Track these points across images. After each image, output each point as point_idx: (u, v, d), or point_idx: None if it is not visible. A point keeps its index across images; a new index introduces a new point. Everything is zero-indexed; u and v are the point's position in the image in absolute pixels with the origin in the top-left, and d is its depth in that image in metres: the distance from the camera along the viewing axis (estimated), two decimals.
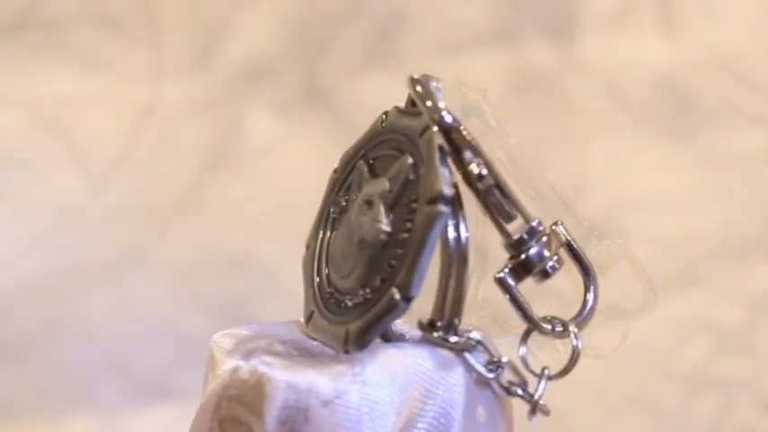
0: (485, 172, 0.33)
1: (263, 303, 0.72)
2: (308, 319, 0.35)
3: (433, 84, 0.34)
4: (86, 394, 0.69)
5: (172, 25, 0.85)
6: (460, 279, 0.33)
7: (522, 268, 0.34)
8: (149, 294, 0.74)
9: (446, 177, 0.32)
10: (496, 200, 0.33)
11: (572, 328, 0.35)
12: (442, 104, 0.33)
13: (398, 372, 0.32)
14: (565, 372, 0.34)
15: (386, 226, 0.33)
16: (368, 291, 0.33)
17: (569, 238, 0.35)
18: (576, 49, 0.81)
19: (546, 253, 0.34)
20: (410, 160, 0.33)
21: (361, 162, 0.35)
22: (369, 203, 0.34)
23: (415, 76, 0.34)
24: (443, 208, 0.32)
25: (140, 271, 0.75)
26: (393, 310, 0.32)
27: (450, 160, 0.33)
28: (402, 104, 0.35)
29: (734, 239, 0.72)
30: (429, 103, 0.33)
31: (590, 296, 0.35)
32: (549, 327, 0.35)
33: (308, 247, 0.36)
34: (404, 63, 0.81)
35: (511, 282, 0.34)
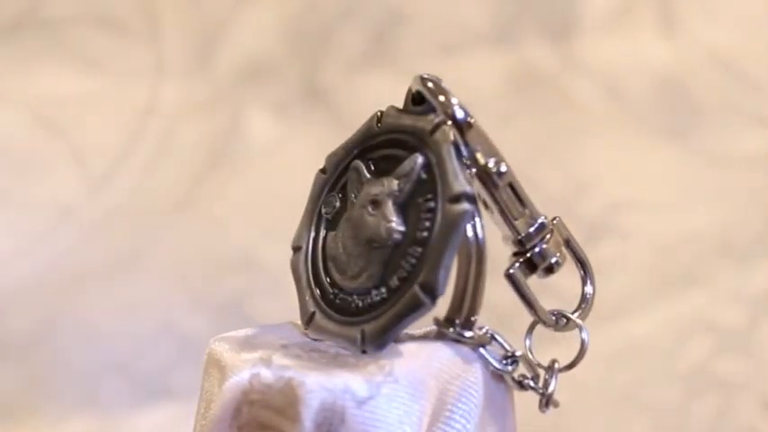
0: (504, 169, 0.33)
1: (262, 303, 0.72)
2: (309, 320, 0.35)
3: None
4: (86, 394, 0.69)
5: (172, 25, 0.85)
6: (479, 276, 0.33)
7: (530, 264, 0.34)
8: (149, 294, 0.74)
9: (466, 175, 0.32)
10: (508, 196, 0.34)
11: (576, 319, 0.35)
12: (454, 100, 0.33)
13: (424, 369, 0.32)
14: (573, 364, 0.35)
15: (399, 225, 0.33)
16: (383, 290, 0.33)
17: (568, 234, 0.35)
18: (575, 49, 0.81)
19: (552, 249, 0.35)
20: (420, 159, 0.33)
21: (358, 162, 0.35)
22: (375, 203, 0.34)
23: (425, 75, 0.34)
24: (468, 206, 0.32)
25: (140, 271, 0.75)
26: (418, 308, 0.32)
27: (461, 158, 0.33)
28: (399, 104, 0.35)
29: (734, 239, 0.72)
30: (442, 98, 0.33)
31: (588, 288, 0.36)
32: (554, 320, 0.35)
33: (296, 249, 0.36)
34: (403, 63, 0.81)
35: (520, 277, 0.34)
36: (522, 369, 0.35)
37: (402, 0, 0.84)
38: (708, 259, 0.71)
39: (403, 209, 0.33)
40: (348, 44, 0.83)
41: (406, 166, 0.34)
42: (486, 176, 0.33)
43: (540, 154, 0.74)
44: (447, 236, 0.32)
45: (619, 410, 0.65)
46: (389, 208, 0.33)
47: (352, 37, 0.83)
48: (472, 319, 0.33)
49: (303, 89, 0.82)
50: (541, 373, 0.35)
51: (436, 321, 0.33)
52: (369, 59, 0.83)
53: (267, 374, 0.32)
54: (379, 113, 0.35)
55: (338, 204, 0.36)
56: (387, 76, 0.81)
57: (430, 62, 0.81)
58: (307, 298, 0.35)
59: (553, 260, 0.35)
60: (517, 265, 0.34)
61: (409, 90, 0.35)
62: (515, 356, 0.34)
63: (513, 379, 0.34)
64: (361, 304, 0.33)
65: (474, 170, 0.33)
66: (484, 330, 0.34)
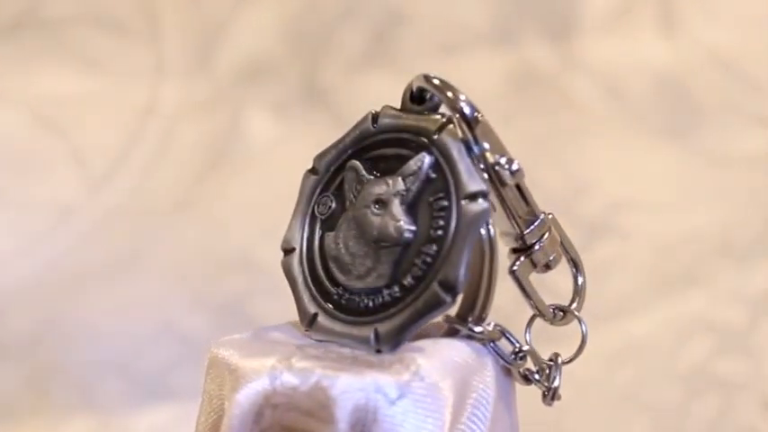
0: (516, 167, 0.33)
1: (262, 303, 0.72)
2: (311, 321, 0.34)
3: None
4: (86, 394, 0.69)
5: (172, 25, 0.85)
6: (492, 273, 0.33)
7: (532, 261, 0.35)
8: (149, 294, 0.74)
9: (480, 173, 0.33)
10: (514, 194, 0.34)
11: (574, 311, 0.36)
12: (462, 96, 0.33)
13: (446, 366, 0.32)
14: (575, 357, 0.36)
15: (409, 224, 0.33)
16: (396, 289, 0.33)
17: (561, 231, 0.36)
18: (575, 48, 0.81)
19: (550, 246, 0.35)
20: (428, 158, 0.33)
21: (355, 162, 0.35)
22: (380, 202, 0.34)
23: (431, 74, 0.34)
24: (485, 204, 0.32)
25: (140, 271, 0.75)
26: (438, 306, 0.32)
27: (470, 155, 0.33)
28: (395, 105, 0.35)
29: (734, 239, 0.72)
30: (450, 94, 0.33)
31: (581, 281, 0.36)
32: (552, 314, 0.36)
33: (288, 250, 0.36)
34: (403, 63, 0.81)
35: (524, 274, 0.35)
36: (527, 364, 0.35)
37: (402, 0, 0.84)
38: (708, 259, 0.71)
39: (411, 208, 0.33)
40: (348, 44, 0.83)
41: (412, 165, 0.34)
42: (494, 174, 0.33)
43: (540, 154, 0.74)
44: (466, 234, 0.32)
45: (619, 410, 0.65)
46: (397, 207, 0.33)
47: (352, 37, 0.83)
48: (484, 315, 0.34)
49: (303, 89, 0.82)
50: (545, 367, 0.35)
51: (448, 318, 0.34)
52: (369, 59, 0.83)
53: (290, 377, 0.32)
54: (374, 113, 0.35)
55: (333, 205, 0.35)
56: (387, 76, 0.81)
57: (430, 62, 0.81)
58: (306, 299, 0.35)
59: (551, 257, 0.35)
60: (519, 262, 0.35)
61: (406, 89, 0.35)
62: (523, 351, 0.34)
63: (519, 373, 0.35)
64: (371, 304, 0.33)
65: (482, 166, 0.33)
66: (493, 326, 0.34)
